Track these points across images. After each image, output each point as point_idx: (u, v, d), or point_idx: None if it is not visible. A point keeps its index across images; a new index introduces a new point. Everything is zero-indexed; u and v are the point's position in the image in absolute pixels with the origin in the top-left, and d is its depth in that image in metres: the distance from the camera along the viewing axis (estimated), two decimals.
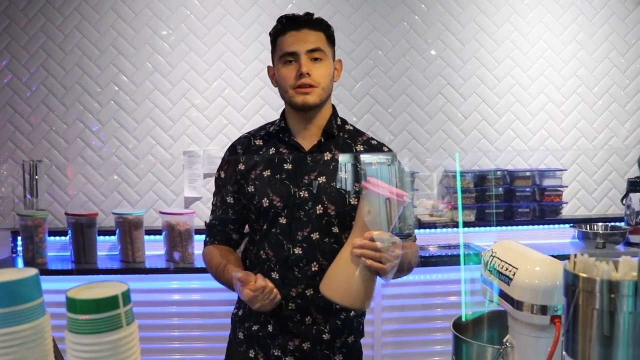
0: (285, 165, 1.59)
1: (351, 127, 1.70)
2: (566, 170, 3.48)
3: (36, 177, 3.19)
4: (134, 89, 3.29)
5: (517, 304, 1.05)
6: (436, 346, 2.95)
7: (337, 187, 1.55)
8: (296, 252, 1.54)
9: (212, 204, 1.71)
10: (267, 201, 1.56)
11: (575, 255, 0.88)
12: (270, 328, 1.59)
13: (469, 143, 3.46)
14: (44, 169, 3.27)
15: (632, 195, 3.25)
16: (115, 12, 3.26)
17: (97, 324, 0.80)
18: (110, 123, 3.30)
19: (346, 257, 1.37)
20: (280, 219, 1.56)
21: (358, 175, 1.56)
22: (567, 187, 3.43)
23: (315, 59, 1.54)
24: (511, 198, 3.31)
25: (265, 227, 1.58)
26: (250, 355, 1.62)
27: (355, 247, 1.34)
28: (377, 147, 1.65)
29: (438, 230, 3.19)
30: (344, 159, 1.59)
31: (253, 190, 1.58)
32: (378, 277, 1.39)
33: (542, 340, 1.06)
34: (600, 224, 3.30)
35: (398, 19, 3.38)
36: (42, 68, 3.26)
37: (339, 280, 1.38)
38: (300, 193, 1.55)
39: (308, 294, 1.54)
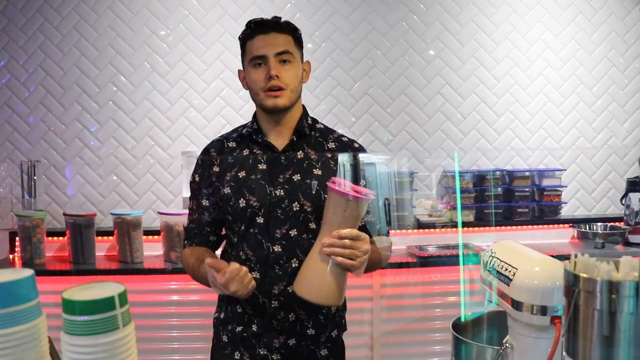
0: (259, 165, 1.61)
1: (322, 126, 1.73)
2: (565, 170, 3.47)
3: (34, 177, 3.18)
4: (132, 89, 3.28)
5: (517, 305, 1.05)
6: (435, 347, 2.95)
7: (312, 183, 1.58)
8: (276, 250, 1.56)
9: (189, 208, 1.72)
10: (244, 201, 1.58)
11: (576, 256, 0.87)
12: (254, 328, 1.60)
13: (468, 143, 3.46)
14: (42, 170, 3.26)
15: (631, 195, 3.25)
16: (113, 12, 3.25)
17: (93, 325, 0.80)
18: (109, 123, 3.29)
19: (316, 256, 1.41)
20: (257, 218, 1.57)
21: (331, 171, 1.60)
22: (566, 187, 3.43)
23: (284, 61, 1.58)
24: (510, 198, 3.31)
25: (243, 227, 1.59)
26: (235, 357, 1.63)
27: (324, 246, 1.39)
28: (348, 144, 1.68)
29: (437, 230, 3.19)
30: (316, 156, 1.62)
31: (229, 191, 1.60)
32: (349, 272, 1.43)
33: (542, 341, 1.05)
34: (599, 223, 3.30)
35: (397, 19, 3.38)
36: (41, 68, 3.25)
37: (311, 280, 1.42)
38: (276, 192, 1.57)
39: (290, 291, 1.54)
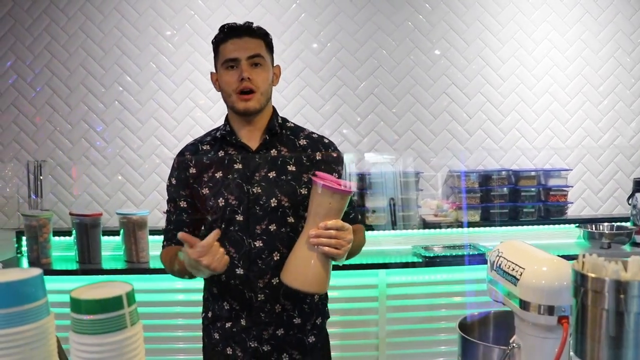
0: (235, 165, 1.66)
1: (292, 124, 1.79)
2: (571, 170, 3.46)
3: (41, 177, 3.20)
4: (138, 90, 3.29)
5: (524, 304, 1.04)
6: (441, 347, 2.94)
7: (287, 179, 1.64)
8: (257, 245, 1.61)
9: (166, 212, 1.77)
10: (223, 200, 1.63)
11: (584, 255, 0.87)
12: (243, 322, 1.65)
13: (474, 143, 3.45)
14: (49, 169, 3.28)
15: (638, 195, 3.23)
16: (119, 13, 3.26)
17: (101, 325, 0.80)
18: (115, 123, 3.30)
19: (303, 246, 1.48)
20: (237, 216, 1.62)
21: (304, 167, 1.66)
22: (572, 187, 3.42)
23: (255, 64, 1.64)
24: (516, 198, 3.30)
25: (223, 225, 1.63)
26: (227, 352, 1.68)
27: (311, 237, 1.45)
28: (318, 140, 1.74)
29: (443, 230, 3.18)
30: (289, 153, 1.69)
31: (207, 192, 1.65)
32: (333, 261, 1.51)
33: (549, 341, 1.05)
34: (605, 224, 3.28)
35: (402, 19, 3.37)
36: (47, 69, 3.26)
37: (298, 268, 1.48)
38: (254, 189, 1.63)
39: (274, 283, 1.61)
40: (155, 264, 2.94)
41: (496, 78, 3.44)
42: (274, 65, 1.74)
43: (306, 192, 1.62)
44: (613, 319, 0.80)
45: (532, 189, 3.30)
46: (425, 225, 3.18)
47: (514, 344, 1.11)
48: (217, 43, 1.71)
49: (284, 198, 1.63)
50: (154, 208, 3.27)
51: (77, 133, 3.30)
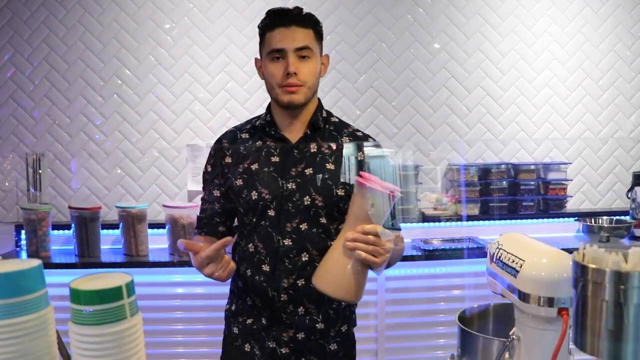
0: (272, 158, 1.60)
1: (336, 120, 1.71)
2: (571, 163, 3.46)
3: (39, 170, 3.19)
4: (137, 83, 3.28)
5: (524, 296, 1.05)
6: (440, 340, 2.95)
7: (324, 178, 1.57)
8: (286, 243, 1.56)
9: (201, 198, 1.74)
10: (256, 194, 1.57)
11: (584, 247, 0.87)
12: (264, 321, 1.61)
13: (473, 136, 3.45)
14: (48, 163, 3.27)
15: (637, 188, 3.23)
16: (117, 5, 3.25)
17: (101, 315, 0.80)
18: (114, 117, 3.29)
19: (339, 249, 1.38)
20: (269, 211, 1.57)
21: (344, 166, 1.59)
22: (571, 180, 3.42)
23: (303, 57, 1.55)
24: (515, 191, 3.30)
25: (254, 220, 1.59)
26: (245, 349, 1.64)
27: (348, 240, 1.34)
28: (362, 139, 1.67)
29: (442, 223, 3.18)
30: (330, 150, 1.61)
31: (241, 183, 1.60)
32: (370, 269, 1.40)
33: (549, 332, 1.05)
34: (605, 217, 3.28)
35: (402, 12, 3.36)
36: (45, 62, 3.25)
37: (332, 273, 1.39)
38: (288, 185, 1.57)
39: (300, 285, 1.55)
40: (155, 257, 2.94)
41: (496, 71, 3.44)
42: (323, 54, 1.65)
43: (343, 193, 1.56)
44: (613, 310, 0.81)
45: (532, 183, 3.30)
46: (425, 218, 3.18)
47: (514, 336, 1.11)
48: (263, 29, 1.61)
49: (318, 197, 1.56)
50: (153, 201, 3.27)
51: (76, 126, 3.29)
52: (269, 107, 1.68)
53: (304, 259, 1.56)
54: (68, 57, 3.26)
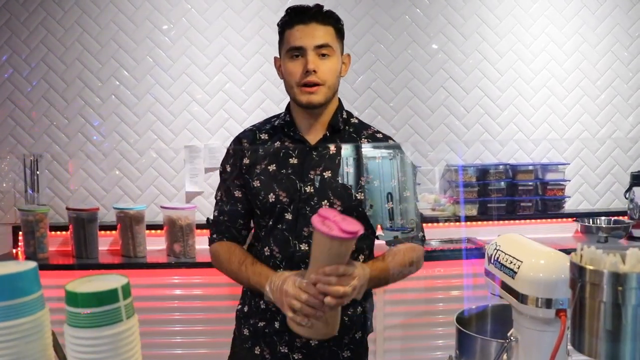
0: (290, 159, 1.56)
1: (356, 121, 1.67)
2: (569, 164, 3.46)
3: (37, 172, 3.18)
4: (134, 84, 3.28)
5: (522, 298, 1.04)
6: (438, 340, 2.94)
7: (343, 181, 1.53)
8: (302, 248, 1.52)
9: (217, 198, 1.66)
10: (273, 196, 1.54)
11: (582, 247, 0.87)
12: (277, 325, 1.57)
13: (471, 137, 3.45)
14: (45, 164, 3.26)
15: (635, 189, 3.24)
16: (115, 6, 3.24)
17: (96, 318, 0.79)
18: (111, 118, 3.28)
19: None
20: (286, 214, 1.53)
21: (363, 169, 1.55)
22: (569, 181, 3.42)
23: (323, 55, 1.50)
24: (513, 192, 3.30)
25: (271, 223, 1.55)
26: (255, 352, 1.60)
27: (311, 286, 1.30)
28: (382, 141, 1.63)
29: (440, 224, 3.18)
30: (348, 152, 1.56)
31: (259, 185, 1.56)
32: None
33: (547, 334, 1.05)
34: (603, 218, 3.29)
35: (400, 12, 3.36)
36: (43, 62, 3.25)
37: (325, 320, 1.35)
38: (306, 188, 1.53)
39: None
40: (152, 258, 2.94)
41: (494, 72, 3.44)
42: (344, 53, 1.60)
43: (362, 197, 1.52)
44: (611, 311, 0.80)
45: (530, 183, 3.30)
46: (423, 219, 3.18)
47: (512, 337, 1.11)
48: (282, 27, 1.56)
49: (336, 201, 1.52)
50: (151, 203, 3.26)
51: (73, 127, 3.28)
52: (288, 107, 1.64)
53: None
54: (66, 58, 3.25)
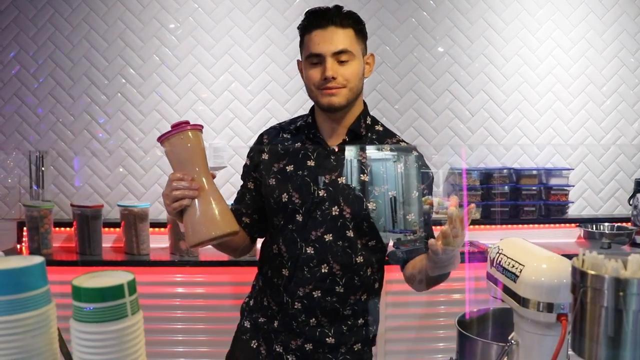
0: (308, 161, 1.55)
1: (381, 128, 1.64)
2: (573, 169, 3.46)
3: (42, 168, 3.20)
4: (141, 82, 3.29)
5: (523, 301, 1.05)
6: (439, 343, 2.95)
7: (356, 189, 1.51)
8: (308, 251, 1.52)
9: (239, 190, 1.71)
10: (287, 196, 1.54)
11: (584, 253, 0.87)
12: (275, 324, 1.58)
13: (476, 140, 3.45)
14: (50, 160, 3.28)
15: (639, 195, 3.23)
16: (123, 5, 3.26)
17: (102, 313, 0.80)
18: (117, 115, 3.30)
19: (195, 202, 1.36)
20: (297, 215, 1.53)
21: (380, 179, 1.53)
22: (573, 186, 3.41)
23: (342, 61, 1.47)
24: (517, 196, 3.30)
25: (282, 222, 1.56)
26: (252, 345, 1.63)
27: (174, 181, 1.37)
28: (404, 149, 1.59)
29: (442, 227, 3.17)
30: (366, 160, 1.54)
31: (274, 183, 1.57)
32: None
33: (547, 338, 1.05)
34: (606, 224, 3.29)
35: (406, 15, 3.37)
36: (50, 59, 3.26)
37: (203, 219, 1.36)
38: (320, 192, 1.52)
39: (315, 296, 1.52)
40: (156, 256, 2.95)
41: (499, 76, 3.44)
42: (367, 54, 1.56)
43: (374, 207, 1.50)
44: (612, 316, 0.81)
45: (533, 188, 3.30)
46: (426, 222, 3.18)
47: (513, 341, 1.11)
48: (302, 32, 1.54)
49: (346, 208, 1.50)
50: (155, 200, 3.27)
51: (79, 124, 3.30)
52: (312, 109, 1.63)
53: (323, 270, 1.51)
54: (73, 56, 3.27)
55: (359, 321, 1.60)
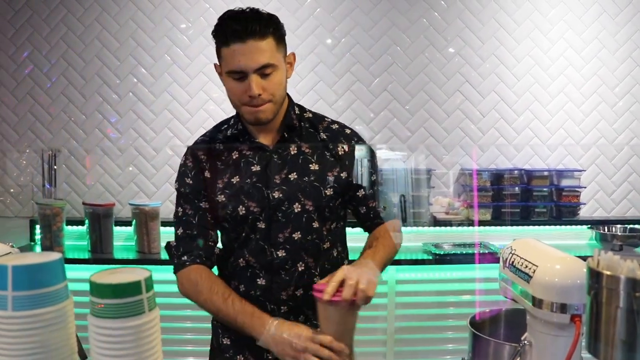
0: (252, 167, 1.49)
1: (310, 115, 1.59)
2: (585, 170, 3.44)
3: (55, 166, 3.23)
4: (152, 81, 3.31)
5: (537, 302, 1.04)
6: (449, 345, 2.94)
7: (310, 180, 1.48)
8: (280, 255, 1.48)
9: (178, 216, 1.54)
10: (243, 208, 1.47)
11: (599, 253, 0.87)
12: None
13: (487, 141, 3.44)
14: (63, 159, 3.31)
15: None
16: (134, 5, 3.28)
17: (120, 309, 0.81)
18: (129, 115, 3.32)
19: None
20: (258, 223, 1.48)
21: (328, 164, 1.50)
22: (585, 187, 3.39)
23: (266, 75, 1.40)
24: (528, 198, 3.28)
25: (243, 234, 1.49)
26: None
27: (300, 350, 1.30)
28: (339, 132, 1.57)
29: (453, 228, 3.17)
30: (310, 150, 1.51)
31: (224, 199, 1.48)
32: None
33: (561, 339, 1.05)
34: (618, 225, 3.26)
35: (417, 16, 3.36)
36: (63, 59, 3.29)
37: None
38: (274, 194, 1.47)
39: (299, 295, 1.50)
40: (166, 255, 2.95)
41: (510, 77, 3.43)
42: (287, 54, 1.48)
43: (332, 193, 1.49)
44: (627, 317, 0.80)
45: (545, 189, 3.29)
46: (436, 222, 3.18)
47: (525, 342, 1.11)
48: (219, 41, 1.45)
49: (308, 202, 1.47)
50: (166, 199, 3.29)
51: (91, 123, 3.32)
52: (237, 116, 1.55)
53: (300, 268, 1.49)
54: (85, 55, 3.29)
55: None
